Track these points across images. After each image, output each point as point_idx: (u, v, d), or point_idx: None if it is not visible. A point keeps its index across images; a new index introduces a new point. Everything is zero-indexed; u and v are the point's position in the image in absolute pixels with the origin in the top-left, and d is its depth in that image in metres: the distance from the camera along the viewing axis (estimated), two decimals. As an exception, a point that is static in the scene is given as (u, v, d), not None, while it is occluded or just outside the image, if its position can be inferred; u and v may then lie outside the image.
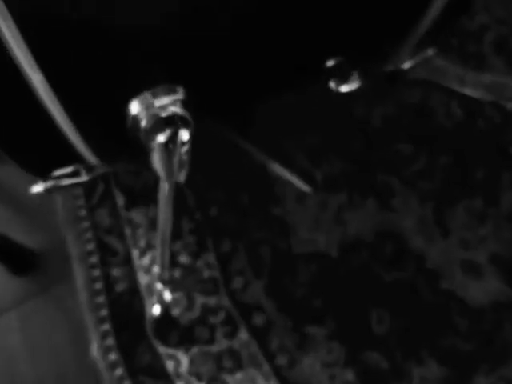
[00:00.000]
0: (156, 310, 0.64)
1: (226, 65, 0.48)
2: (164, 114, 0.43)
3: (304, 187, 0.76)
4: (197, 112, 0.44)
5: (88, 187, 0.81)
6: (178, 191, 0.78)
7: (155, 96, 0.43)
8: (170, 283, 0.64)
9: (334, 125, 0.81)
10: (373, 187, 0.76)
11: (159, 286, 0.64)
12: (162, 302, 0.66)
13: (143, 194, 0.80)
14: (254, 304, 0.68)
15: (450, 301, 0.68)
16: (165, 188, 0.48)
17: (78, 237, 0.77)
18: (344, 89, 0.62)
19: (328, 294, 0.69)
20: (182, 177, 0.45)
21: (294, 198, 0.76)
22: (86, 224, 0.77)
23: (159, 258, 0.58)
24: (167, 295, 0.65)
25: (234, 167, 0.79)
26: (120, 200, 0.80)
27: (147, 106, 0.43)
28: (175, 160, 0.42)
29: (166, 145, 0.42)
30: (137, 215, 0.78)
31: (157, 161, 0.44)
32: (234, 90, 0.53)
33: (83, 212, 0.80)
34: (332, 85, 0.63)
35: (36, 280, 0.75)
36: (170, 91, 0.44)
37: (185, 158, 0.42)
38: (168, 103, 0.43)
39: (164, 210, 0.50)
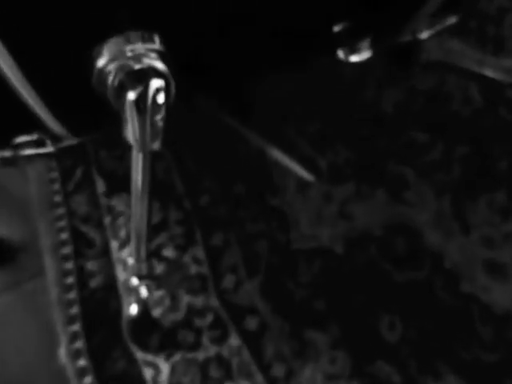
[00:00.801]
0: (133, 309, 0.56)
1: (218, 23, 0.40)
2: (136, 67, 0.35)
3: (306, 176, 0.72)
4: (185, 83, 0.37)
5: (65, 170, 0.76)
6: (165, 176, 0.74)
7: (126, 44, 0.35)
8: (147, 278, 0.56)
9: (341, 109, 0.78)
10: (383, 178, 0.72)
11: (135, 281, 0.56)
12: (139, 300, 0.58)
13: (126, 179, 0.72)
14: (247, 305, 0.63)
15: (472, 305, 0.62)
16: (138, 160, 0.40)
17: (51, 225, 0.71)
18: (354, 58, 0.56)
19: (331, 294, 0.64)
20: (156, 145, 0.37)
21: (295, 188, 0.72)
22: (60, 211, 0.72)
23: (134, 249, 0.50)
24: (144, 292, 0.57)
25: (229, 152, 0.75)
26: (100, 186, 0.74)
27: (116, 56, 0.35)
28: (148, 124, 0.36)
29: (137, 104, 0.35)
30: (118, 203, 0.72)
31: (127, 125, 0.36)
32: (230, 54, 0.45)
33: (58, 198, 0.73)
34: (341, 54, 0.57)
35: (10, 273, 0.70)
36: (145, 39, 0.36)
37: (160, 124, 0.36)
38: (141, 53, 0.35)
39: (139, 189, 0.42)
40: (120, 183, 0.74)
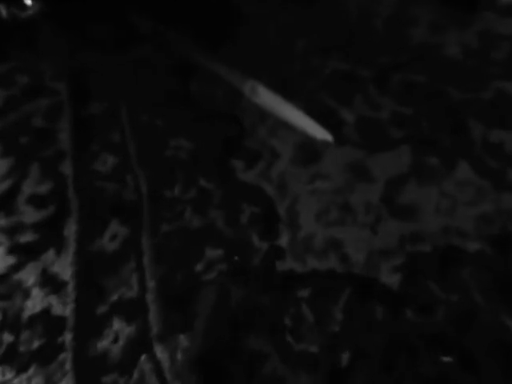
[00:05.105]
0: None
1: None
2: None
3: (319, 134, 0.45)
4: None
5: None
6: (47, 122, 0.46)
7: None
8: None
9: (376, 44, 0.54)
10: (464, 146, 0.44)
11: None
12: None
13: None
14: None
15: None
16: None
17: None
18: None
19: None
20: None
21: (295, 154, 0.44)
22: None
23: None
24: None
25: (173, 91, 0.50)
26: None
27: None
28: None
29: None
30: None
31: None
32: None
33: None
34: None
35: None
36: None
37: None
38: None
39: None
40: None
